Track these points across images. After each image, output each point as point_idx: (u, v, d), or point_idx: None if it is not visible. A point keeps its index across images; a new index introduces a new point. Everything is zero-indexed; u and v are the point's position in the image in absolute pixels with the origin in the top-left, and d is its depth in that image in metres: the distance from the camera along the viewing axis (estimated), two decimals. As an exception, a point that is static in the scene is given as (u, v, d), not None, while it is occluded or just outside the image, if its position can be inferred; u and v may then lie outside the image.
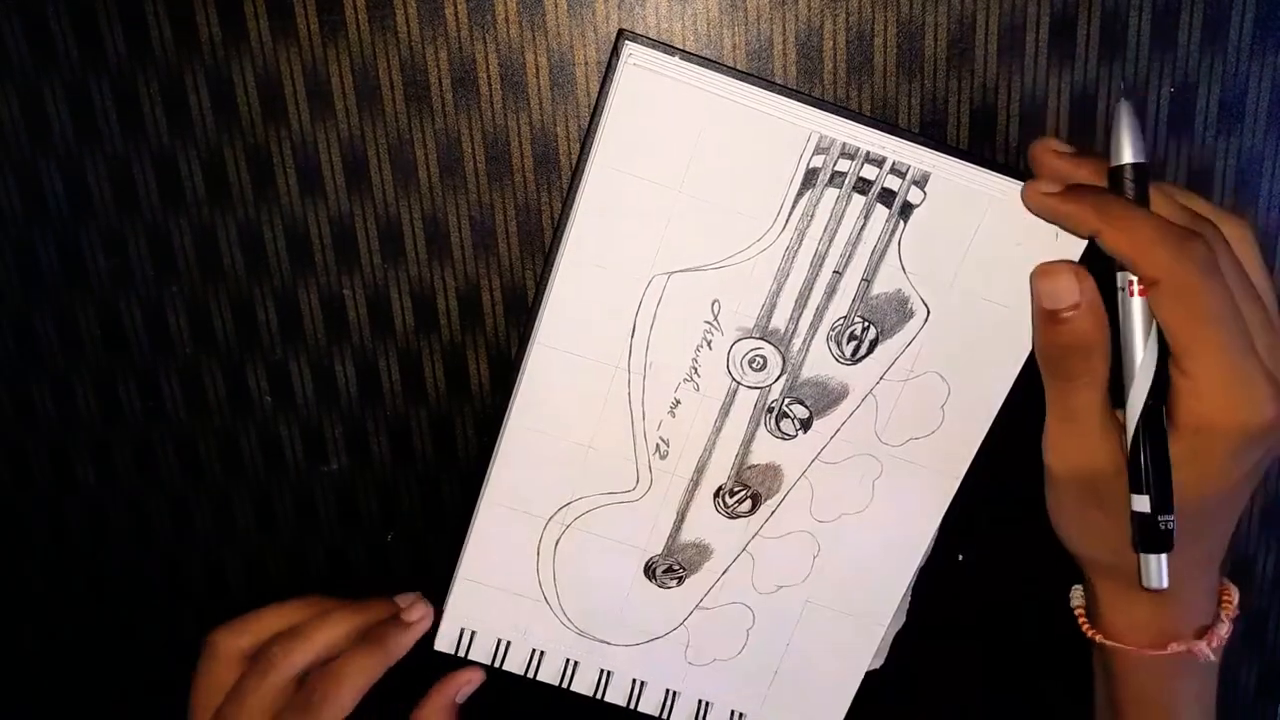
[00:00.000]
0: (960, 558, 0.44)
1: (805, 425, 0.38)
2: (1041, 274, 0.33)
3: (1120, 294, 0.32)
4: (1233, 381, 0.31)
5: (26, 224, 0.41)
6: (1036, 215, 0.33)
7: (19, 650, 0.48)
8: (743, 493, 0.39)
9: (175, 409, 0.44)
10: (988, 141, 0.39)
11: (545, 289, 0.37)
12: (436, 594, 0.40)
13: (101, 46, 0.39)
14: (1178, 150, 0.39)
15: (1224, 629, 0.35)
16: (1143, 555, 0.32)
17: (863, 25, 0.38)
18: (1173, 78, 0.39)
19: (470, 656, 0.41)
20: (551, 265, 0.36)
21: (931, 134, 0.39)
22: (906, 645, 0.41)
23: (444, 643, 0.41)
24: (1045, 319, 0.33)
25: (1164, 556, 0.32)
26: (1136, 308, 0.32)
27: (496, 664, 0.41)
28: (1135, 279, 0.31)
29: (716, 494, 0.39)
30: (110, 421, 0.44)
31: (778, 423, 0.38)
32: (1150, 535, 0.32)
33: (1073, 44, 0.38)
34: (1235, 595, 0.36)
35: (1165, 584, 0.32)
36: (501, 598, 0.41)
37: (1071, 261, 0.33)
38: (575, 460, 0.39)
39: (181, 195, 0.41)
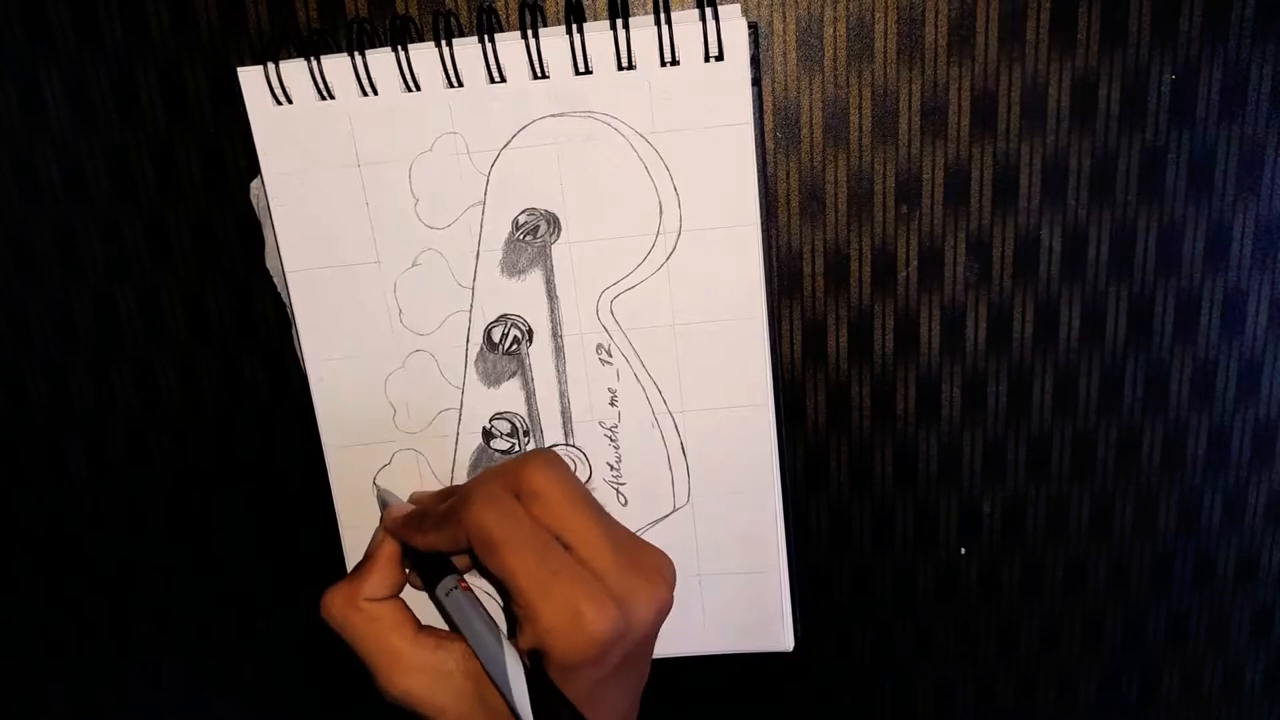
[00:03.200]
0: (963, 551, 0.44)
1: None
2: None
3: (449, 601, 0.36)
4: (556, 601, 0.33)
5: (23, 214, 0.41)
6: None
7: (17, 647, 0.48)
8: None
9: (170, 399, 0.43)
10: (989, 129, 0.39)
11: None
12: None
13: (99, 32, 0.39)
14: (1179, 138, 0.39)
15: None
16: None
17: (863, 12, 0.38)
18: (1174, 65, 0.39)
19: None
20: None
21: (932, 121, 0.39)
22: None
23: None
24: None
25: None
26: (463, 601, 0.36)
27: None
28: (452, 578, 0.36)
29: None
30: (104, 412, 0.44)
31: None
32: None
33: (1074, 31, 0.38)
34: None
35: None
36: None
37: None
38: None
39: (179, 184, 0.41)
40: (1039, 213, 0.40)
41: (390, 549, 0.38)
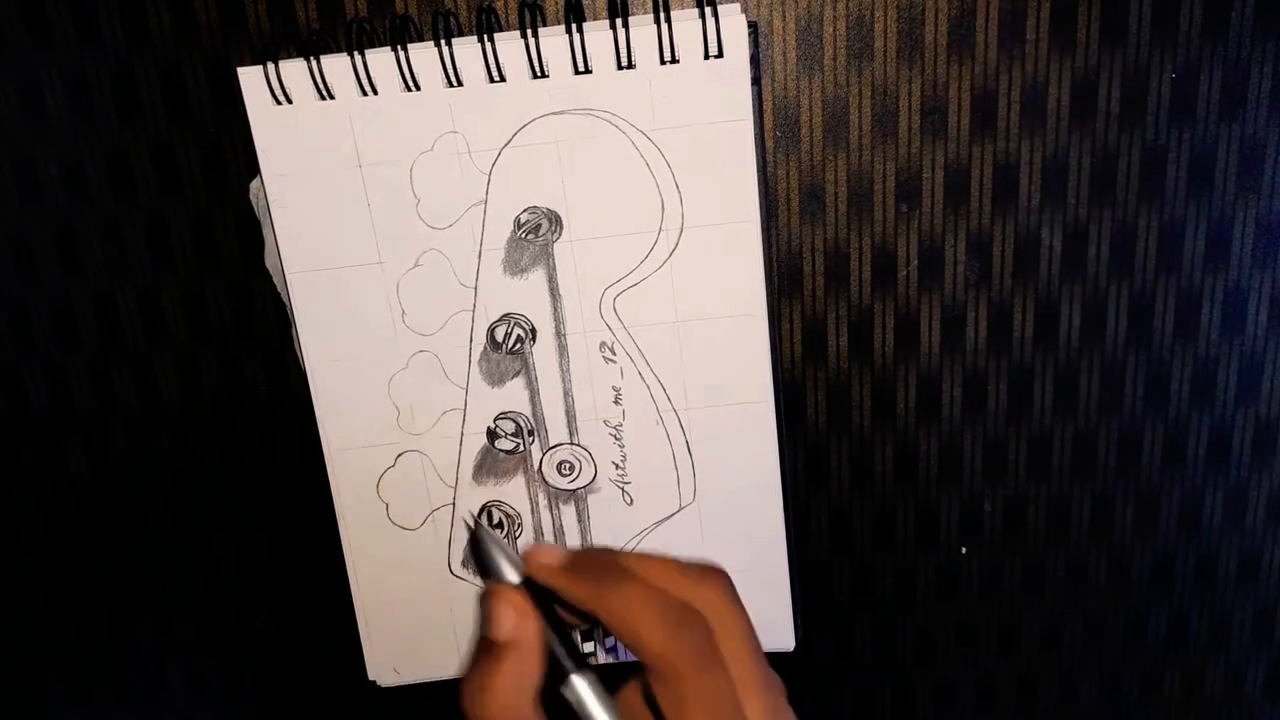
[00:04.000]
0: (964, 550, 0.44)
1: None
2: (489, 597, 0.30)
3: (582, 695, 0.29)
4: None
5: (22, 214, 0.41)
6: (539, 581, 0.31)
7: (17, 647, 0.47)
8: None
9: (170, 399, 0.43)
10: (989, 129, 0.39)
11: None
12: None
13: (99, 32, 0.39)
14: (1179, 137, 0.39)
15: None
16: None
17: (863, 11, 0.38)
18: (1174, 65, 0.39)
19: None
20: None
21: (932, 120, 0.39)
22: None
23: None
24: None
25: None
26: (597, 697, 0.29)
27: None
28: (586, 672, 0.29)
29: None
30: (104, 412, 0.44)
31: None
32: None
33: (1074, 29, 0.38)
34: None
35: None
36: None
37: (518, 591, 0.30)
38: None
39: (179, 184, 0.41)
40: (1039, 212, 0.40)
41: (534, 631, 0.30)
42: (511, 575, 0.30)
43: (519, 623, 0.30)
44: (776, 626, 0.42)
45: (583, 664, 0.30)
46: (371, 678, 0.44)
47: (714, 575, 0.31)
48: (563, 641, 0.30)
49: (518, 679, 0.29)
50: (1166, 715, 0.47)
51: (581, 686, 0.29)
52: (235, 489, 0.44)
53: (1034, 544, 0.44)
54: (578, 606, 0.30)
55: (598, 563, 0.30)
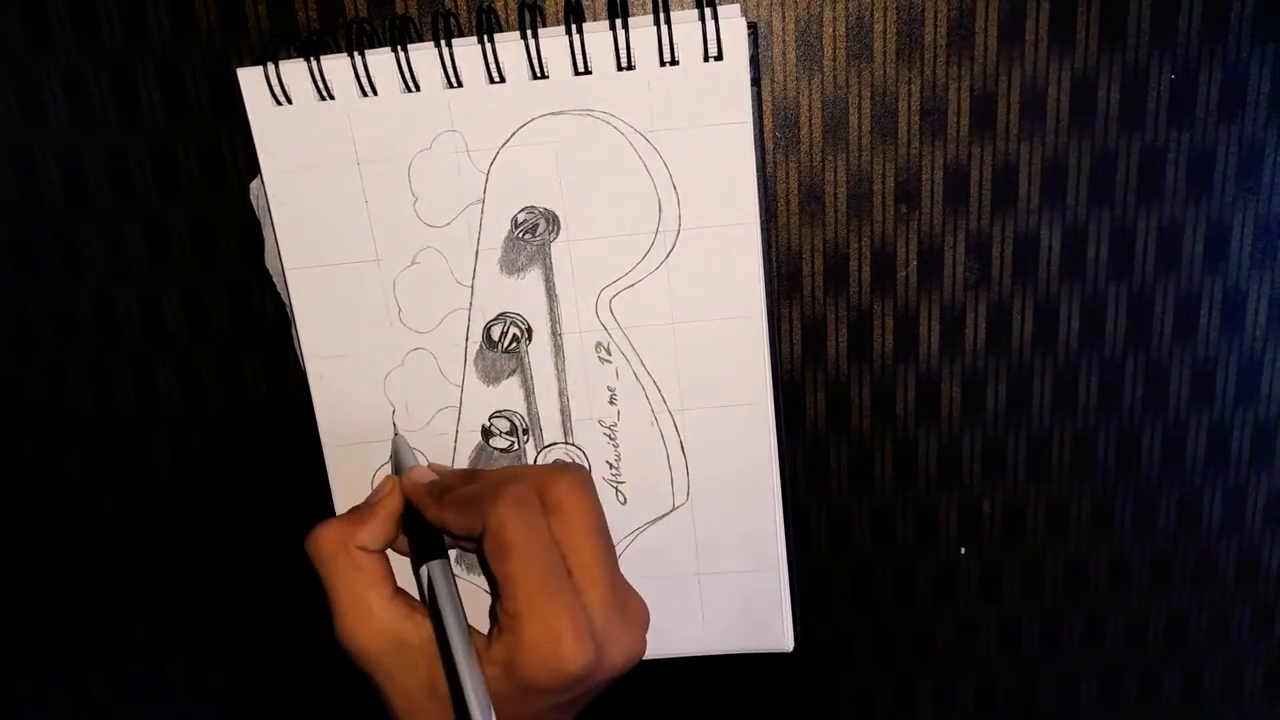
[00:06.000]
0: (963, 551, 0.44)
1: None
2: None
3: (434, 580, 0.35)
4: (545, 621, 0.32)
5: (22, 214, 0.41)
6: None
7: (17, 647, 0.48)
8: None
9: (170, 399, 0.43)
10: (988, 129, 0.39)
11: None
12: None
13: (99, 32, 0.39)
14: (1179, 138, 0.39)
15: None
16: None
17: (862, 12, 0.38)
18: (1174, 65, 0.39)
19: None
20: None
21: (931, 121, 0.39)
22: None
23: None
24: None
25: None
26: (444, 585, 0.35)
27: None
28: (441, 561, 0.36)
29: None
30: (104, 412, 0.44)
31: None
32: None
33: (1073, 30, 0.38)
34: None
35: None
36: None
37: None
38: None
39: (178, 184, 0.41)
40: (1039, 213, 0.40)
41: (394, 505, 0.38)
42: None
43: (384, 494, 0.38)
44: (774, 627, 0.42)
45: (439, 555, 0.36)
46: None
47: (565, 472, 0.36)
48: (426, 535, 0.37)
49: (346, 529, 0.36)
50: (1166, 715, 0.47)
51: (433, 570, 0.36)
52: (235, 488, 0.44)
53: (1033, 544, 0.44)
54: (444, 525, 0.36)
55: (463, 493, 0.36)
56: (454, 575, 0.37)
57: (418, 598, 0.37)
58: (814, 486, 0.43)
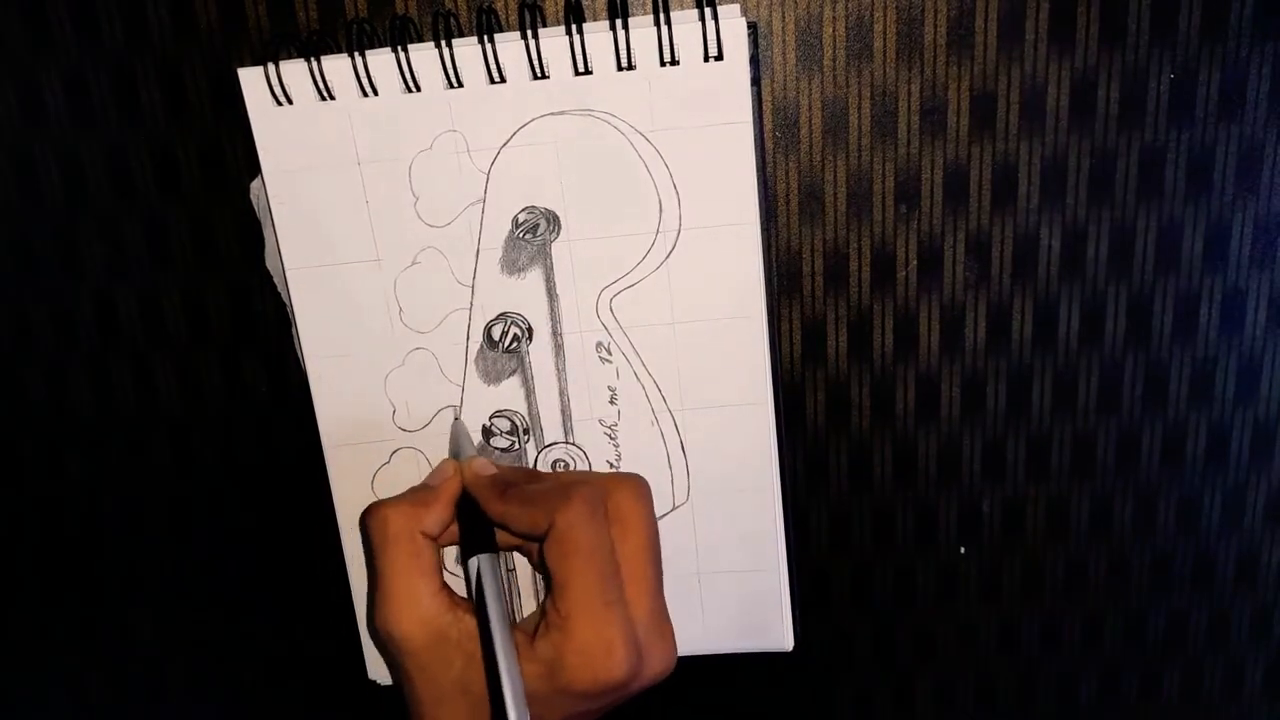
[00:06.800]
0: (963, 551, 0.44)
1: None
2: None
3: (483, 573, 0.35)
4: (598, 627, 0.33)
5: (22, 214, 0.41)
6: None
7: (17, 647, 0.48)
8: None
9: (170, 399, 0.43)
10: (988, 129, 0.39)
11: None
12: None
13: (99, 32, 0.39)
14: (1179, 138, 0.39)
15: None
16: None
17: (863, 12, 0.38)
18: (1174, 65, 0.39)
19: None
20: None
21: (931, 121, 0.39)
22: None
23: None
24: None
25: None
26: (493, 580, 0.35)
27: None
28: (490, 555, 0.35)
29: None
30: (103, 412, 0.44)
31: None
32: None
33: (1073, 30, 0.38)
34: None
35: None
36: None
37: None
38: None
39: (178, 184, 0.41)
40: (1038, 213, 0.40)
41: (455, 491, 0.37)
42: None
43: (443, 479, 0.37)
44: (774, 627, 0.42)
45: (489, 548, 0.36)
46: (371, 677, 0.44)
47: (629, 481, 0.36)
48: (478, 527, 0.36)
49: (412, 512, 0.36)
50: (1166, 715, 0.47)
51: (483, 563, 0.35)
52: (235, 488, 0.44)
53: (1033, 544, 0.44)
54: (504, 521, 0.36)
55: (531, 491, 0.36)
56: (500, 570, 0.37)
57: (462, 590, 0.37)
58: (814, 486, 0.43)
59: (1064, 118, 0.39)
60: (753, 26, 0.38)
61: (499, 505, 0.36)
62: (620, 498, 0.35)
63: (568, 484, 0.35)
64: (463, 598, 0.36)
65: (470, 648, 0.35)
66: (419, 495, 0.37)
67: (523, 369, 0.40)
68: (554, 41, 0.36)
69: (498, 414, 0.40)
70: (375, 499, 0.40)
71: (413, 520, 0.36)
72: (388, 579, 0.35)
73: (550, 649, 0.33)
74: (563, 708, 0.34)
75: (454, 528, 0.37)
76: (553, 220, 0.38)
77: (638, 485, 0.36)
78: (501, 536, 0.37)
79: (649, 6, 0.38)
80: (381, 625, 0.35)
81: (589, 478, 0.37)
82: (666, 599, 0.37)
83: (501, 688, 0.32)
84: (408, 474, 0.41)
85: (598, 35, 0.36)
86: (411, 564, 0.35)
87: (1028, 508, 0.44)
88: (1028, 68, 0.39)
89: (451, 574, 0.40)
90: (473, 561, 0.35)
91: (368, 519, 0.36)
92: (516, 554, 0.41)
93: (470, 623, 0.35)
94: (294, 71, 0.37)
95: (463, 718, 0.35)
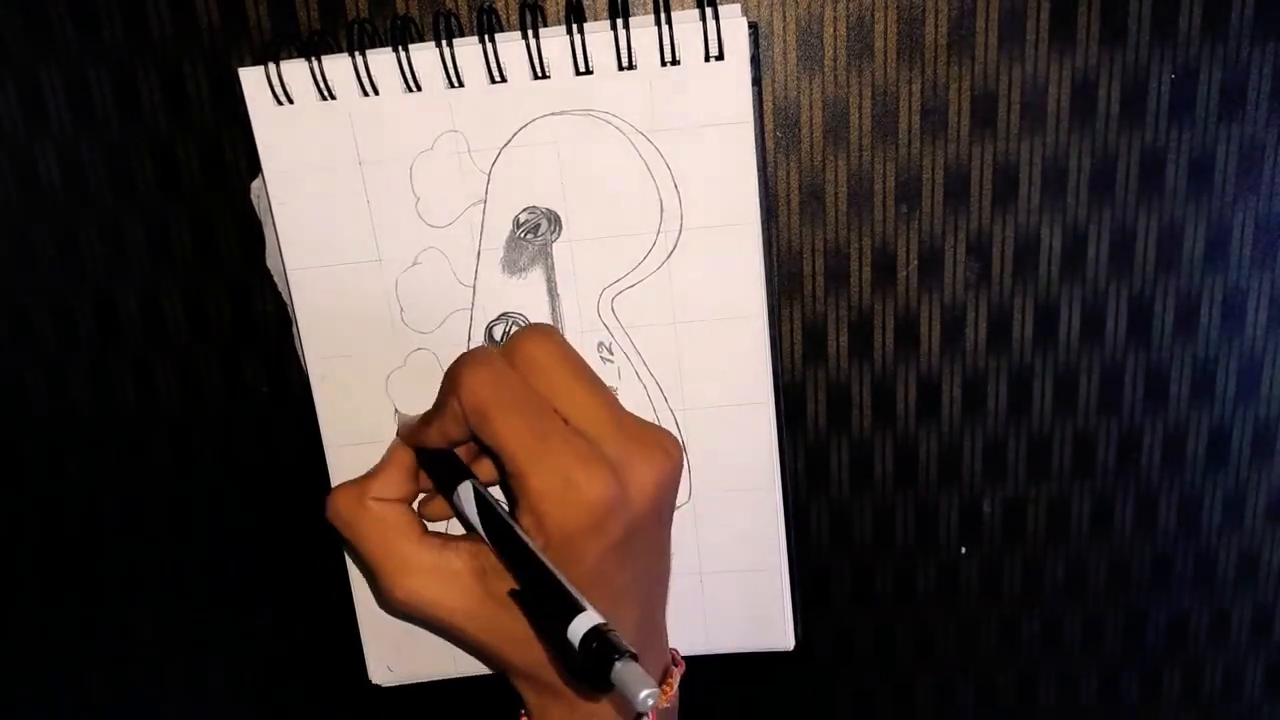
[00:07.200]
0: (963, 550, 0.44)
1: None
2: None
3: (464, 497, 0.35)
4: (547, 465, 0.32)
5: (23, 214, 0.41)
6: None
7: (17, 647, 0.47)
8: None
9: (170, 399, 0.43)
10: (989, 129, 0.39)
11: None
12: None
13: (99, 32, 0.39)
14: (1179, 138, 0.39)
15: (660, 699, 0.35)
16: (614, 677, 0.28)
17: (863, 12, 0.38)
18: (1174, 65, 0.39)
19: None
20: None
21: (932, 120, 0.39)
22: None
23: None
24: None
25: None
26: (476, 496, 0.35)
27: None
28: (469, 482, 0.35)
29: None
30: (103, 412, 0.44)
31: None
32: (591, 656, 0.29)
33: (1074, 30, 0.38)
34: (677, 674, 0.37)
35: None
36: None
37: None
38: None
39: (178, 184, 0.41)
40: (1039, 213, 0.40)
41: (401, 453, 0.38)
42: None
43: (390, 450, 0.38)
44: (775, 626, 0.42)
45: (463, 478, 0.36)
46: (372, 678, 0.44)
47: (525, 331, 0.36)
48: (442, 464, 0.37)
49: (355, 488, 0.36)
50: (1166, 715, 0.47)
51: (462, 490, 0.35)
52: (235, 488, 0.44)
53: (1034, 544, 0.44)
54: (442, 437, 0.35)
55: (437, 400, 0.35)
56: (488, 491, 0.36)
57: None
58: (815, 486, 0.43)
59: (1065, 118, 0.39)
60: (753, 26, 0.38)
61: (425, 431, 0.36)
62: (525, 347, 0.34)
63: (456, 359, 0.35)
64: (452, 535, 0.36)
65: (479, 567, 0.34)
66: (365, 474, 0.38)
67: None
68: (555, 41, 0.36)
69: None
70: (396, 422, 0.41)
71: (358, 495, 0.36)
72: (367, 556, 0.36)
73: (528, 515, 0.32)
74: (584, 559, 0.32)
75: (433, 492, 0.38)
76: (554, 220, 0.38)
77: (537, 328, 0.36)
78: (484, 476, 0.37)
79: (650, 6, 0.38)
80: (390, 598, 0.35)
81: (482, 348, 0.36)
82: (668, 598, 0.37)
83: (541, 562, 0.32)
84: None
85: (598, 35, 0.36)
86: (380, 530, 0.36)
87: (1028, 507, 0.44)
88: (1028, 68, 0.39)
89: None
90: (454, 495, 0.35)
91: (326, 512, 0.37)
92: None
93: (470, 546, 0.35)
94: (295, 71, 0.37)
95: (517, 626, 0.34)
